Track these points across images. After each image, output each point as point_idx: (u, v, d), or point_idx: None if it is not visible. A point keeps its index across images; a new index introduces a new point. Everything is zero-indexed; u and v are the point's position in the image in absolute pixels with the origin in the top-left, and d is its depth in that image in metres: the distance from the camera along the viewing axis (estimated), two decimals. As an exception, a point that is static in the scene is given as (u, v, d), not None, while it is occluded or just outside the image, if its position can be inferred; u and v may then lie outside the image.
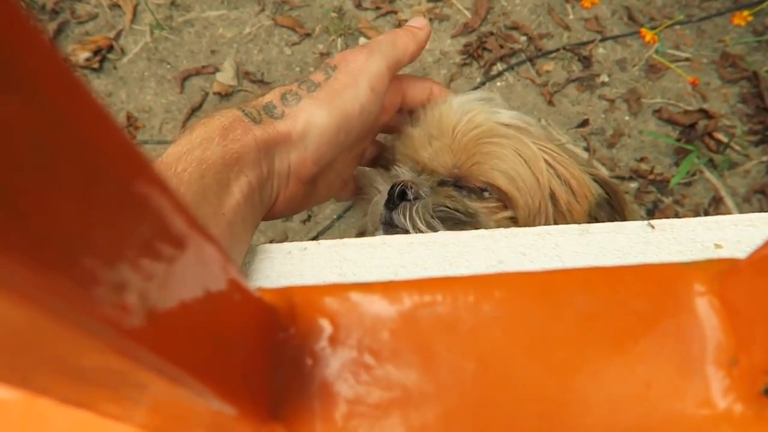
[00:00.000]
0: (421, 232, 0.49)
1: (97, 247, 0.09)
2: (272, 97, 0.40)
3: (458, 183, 0.52)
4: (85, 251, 0.08)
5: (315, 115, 0.39)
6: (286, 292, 0.17)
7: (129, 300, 0.10)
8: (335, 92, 0.40)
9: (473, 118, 0.50)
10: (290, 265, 0.43)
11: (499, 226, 0.44)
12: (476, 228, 0.47)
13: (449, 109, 0.51)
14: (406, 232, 0.50)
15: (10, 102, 0.07)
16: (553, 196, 0.51)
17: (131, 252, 0.10)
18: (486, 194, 0.51)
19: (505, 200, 0.51)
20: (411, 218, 0.49)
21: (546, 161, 0.50)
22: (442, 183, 0.52)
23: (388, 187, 0.52)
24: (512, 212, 0.51)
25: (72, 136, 0.08)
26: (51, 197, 0.07)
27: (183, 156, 0.33)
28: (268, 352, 0.16)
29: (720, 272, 0.17)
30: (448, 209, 0.49)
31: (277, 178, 0.40)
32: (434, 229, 0.48)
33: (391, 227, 0.51)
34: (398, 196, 0.50)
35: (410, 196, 0.50)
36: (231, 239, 0.36)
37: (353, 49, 0.43)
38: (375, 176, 0.56)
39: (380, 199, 0.53)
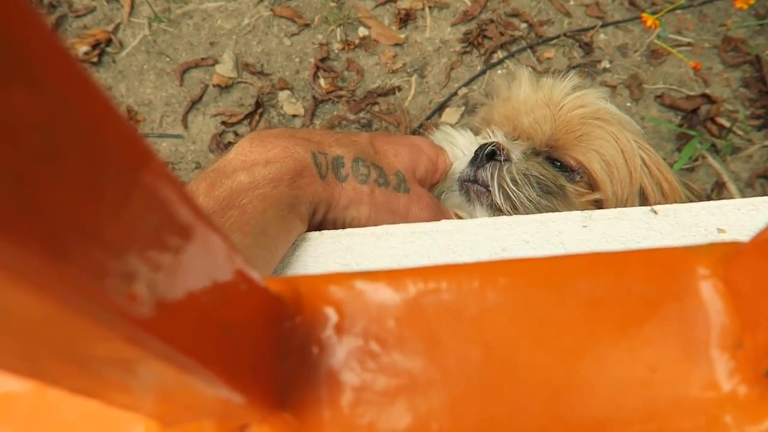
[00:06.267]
0: (506, 192, 0.48)
1: (105, 237, 0.09)
2: (345, 152, 0.44)
3: (551, 156, 0.51)
4: (94, 241, 0.08)
5: (361, 212, 0.45)
6: (291, 281, 0.17)
7: (138, 289, 0.10)
8: (388, 204, 0.46)
9: (583, 97, 0.50)
10: (294, 255, 0.43)
11: (584, 209, 0.45)
12: (564, 203, 0.48)
13: (560, 83, 0.51)
14: (484, 198, 0.49)
15: (16, 92, 0.07)
16: (643, 194, 0.51)
17: (139, 242, 0.10)
18: (577, 177, 0.51)
19: (593, 185, 0.51)
20: (499, 177, 0.48)
21: (642, 158, 0.50)
22: (535, 153, 0.51)
23: (475, 148, 0.51)
24: (599, 195, 0.50)
25: (78, 126, 0.08)
26: (59, 187, 0.07)
27: (249, 190, 0.38)
28: (274, 341, 0.16)
29: (724, 255, 0.17)
30: (538, 176, 0.49)
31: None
32: (521, 191, 0.48)
33: (471, 183, 0.50)
34: (487, 156, 0.50)
35: (500, 157, 0.49)
36: (274, 264, 0.42)
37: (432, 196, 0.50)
38: (457, 137, 0.55)
39: (463, 158, 0.52)
